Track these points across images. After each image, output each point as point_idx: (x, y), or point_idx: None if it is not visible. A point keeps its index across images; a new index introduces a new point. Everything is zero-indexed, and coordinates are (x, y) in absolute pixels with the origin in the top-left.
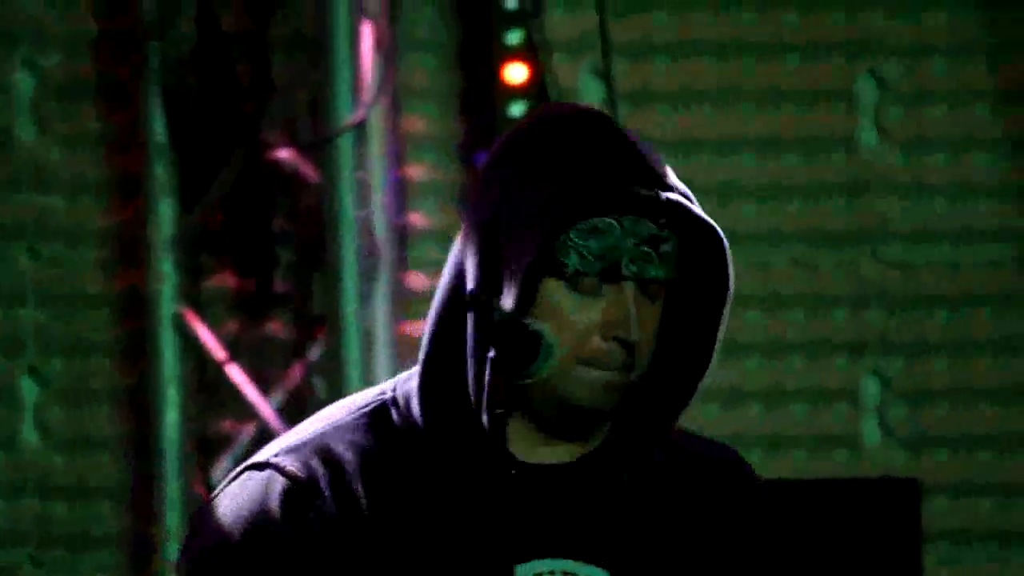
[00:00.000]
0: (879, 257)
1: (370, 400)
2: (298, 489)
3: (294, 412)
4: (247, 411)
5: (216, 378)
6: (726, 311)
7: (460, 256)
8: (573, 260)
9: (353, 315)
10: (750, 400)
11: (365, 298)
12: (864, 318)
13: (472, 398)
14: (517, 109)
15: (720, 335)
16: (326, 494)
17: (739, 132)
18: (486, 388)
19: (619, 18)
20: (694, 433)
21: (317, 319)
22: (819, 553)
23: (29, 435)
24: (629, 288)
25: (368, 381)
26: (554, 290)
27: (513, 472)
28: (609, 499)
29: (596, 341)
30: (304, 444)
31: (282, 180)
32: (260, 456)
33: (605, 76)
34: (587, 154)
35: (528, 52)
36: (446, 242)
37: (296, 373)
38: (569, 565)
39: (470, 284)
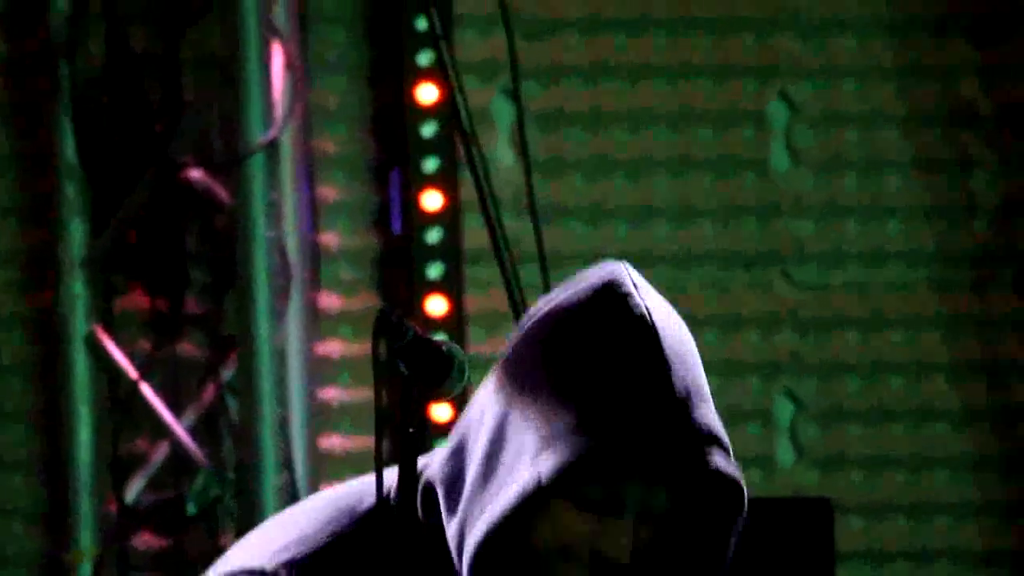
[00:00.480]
0: (791, 278)
1: (367, 504)
2: None
3: (207, 432)
4: (160, 431)
5: (129, 398)
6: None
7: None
8: (587, 488)
9: (266, 335)
10: None
11: (278, 318)
12: (776, 339)
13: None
14: (428, 129)
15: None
16: None
17: (651, 153)
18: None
19: (530, 40)
20: None
21: (230, 339)
22: (733, 572)
23: None
24: (632, 522)
25: (281, 401)
26: (556, 504)
27: None
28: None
29: (584, 553)
30: (306, 556)
31: (194, 200)
32: (255, 561)
33: (515, 98)
34: (627, 404)
35: (439, 73)
36: (358, 262)
37: (209, 393)
38: None
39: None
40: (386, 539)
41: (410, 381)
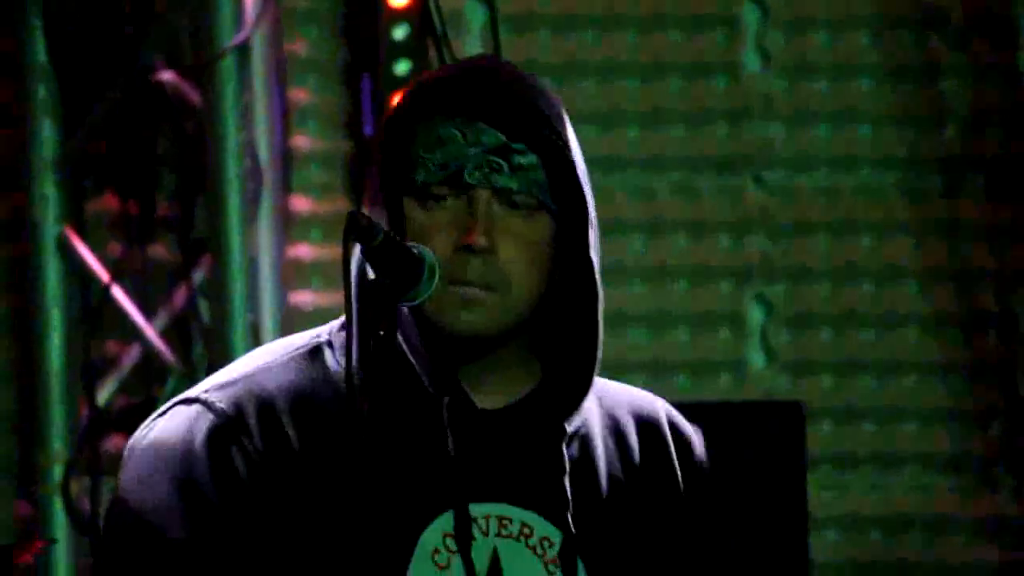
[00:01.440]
0: (762, 183)
1: (305, 342)
2: (225, 425)
3: (178, 335)
4: (131, 334)
5: (100, 301)
6: (592, 236)
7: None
8: (420, 173)
9: (237, 238)
10: (634, 324)
11: (249, 221)
12: (747, 243)
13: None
14: (400, 32)
15: (596, 262)
16: (254, 431)
17: (622, 57)
18: (368, 319)
19: None
20: (620, 384)
21: (201, 242)
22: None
23: None
24: (480, 196)
25: (252, 305)
26: (410, 209)
27: (446, 416)
28: (542, 446)
29: (449, 255)
30: (235, 381)
31: (165, 103)
32: (191, 392)
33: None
34: (442, 78)
35: None
36: (330, 165)
37: (180, 296)
38: (503, 509)
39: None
40: (314, 369)
41: (380, 284)
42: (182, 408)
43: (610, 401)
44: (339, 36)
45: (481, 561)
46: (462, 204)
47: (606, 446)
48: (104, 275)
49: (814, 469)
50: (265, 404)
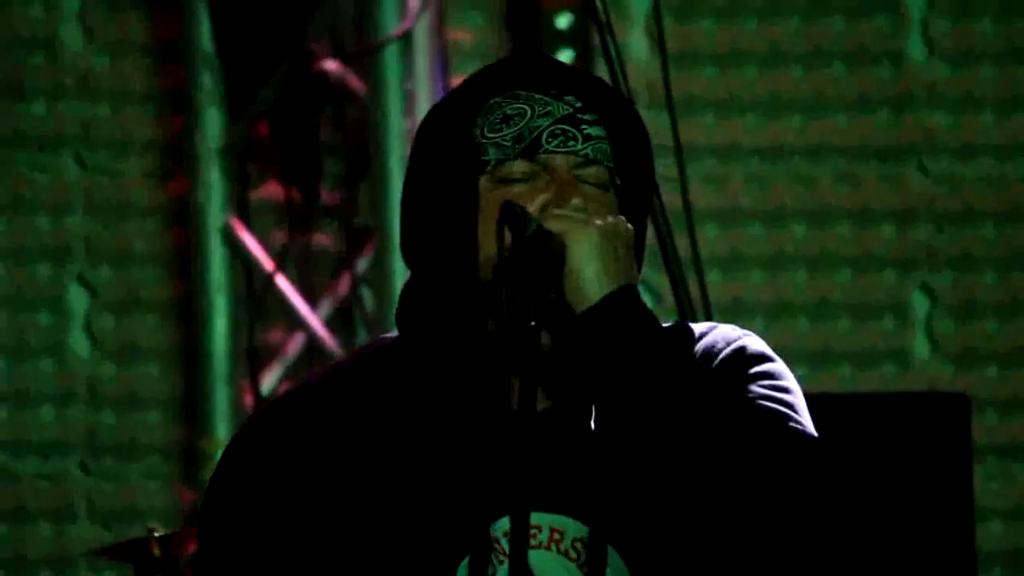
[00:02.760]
0: (926, 171)
1: (370, 344)
2: (280, 422)
3: (342, 323)
4: (295, 322)
5: (264, 288)
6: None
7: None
8: (492, 152)
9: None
10: (797, 314)
11: None
12: (911, 233)
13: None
14: (563, 21)
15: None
16: (308, 431)
17: (785, 45)
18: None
19: None
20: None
21: (364, 230)
22: (868, 467)
23: (78, 344)
24: (560, 164)
25: None
26: (487, 190)
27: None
28: (581, 448)
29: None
30: (301, 386)
31: (329, 91)
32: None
33: None
34: (495, 64)
35: None
36: None
37: (344, 284)
38: (556, 520)
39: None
40: (378, 368)
41: (530, 275)
42: (245, 423)
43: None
44: (502, 24)
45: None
46: (542, 176)
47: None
48: (268, 263)
49: (980, 460)
50: (322, 406)
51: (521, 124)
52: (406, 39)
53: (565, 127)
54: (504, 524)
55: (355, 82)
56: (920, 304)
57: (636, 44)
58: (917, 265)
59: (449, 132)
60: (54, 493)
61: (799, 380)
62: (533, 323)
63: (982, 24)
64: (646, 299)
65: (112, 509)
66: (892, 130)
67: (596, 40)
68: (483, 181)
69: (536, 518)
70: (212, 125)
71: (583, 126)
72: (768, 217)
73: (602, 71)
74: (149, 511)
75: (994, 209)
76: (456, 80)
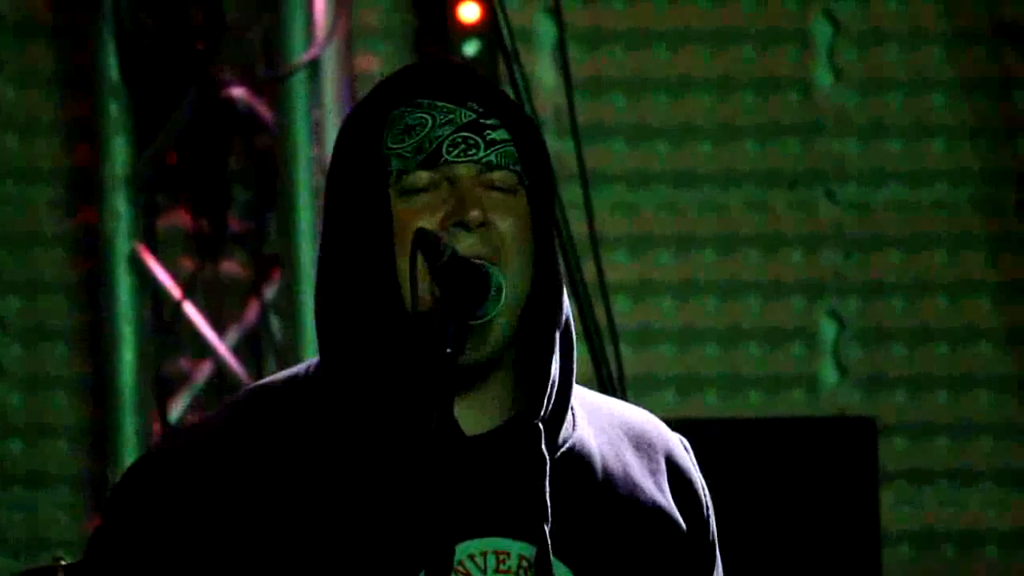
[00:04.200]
0: (834, 197)
1: (280, 377)
2: (178, 461)
3: (250, 351)
4: (203, 350)
5: (172, 317)
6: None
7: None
8: (395, 163)
9: (308, 254)
10: (706, 340)
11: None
12: (820, 259)
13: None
14: (471, 48)
15: (555, 252)
16: (229, 463)
17: (694, 72)
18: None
19: None
20: (607, 397)
21: (272, 258)
22: (776, 491)
23: None
24: (461, 174)
25: None
26: (393, 204)
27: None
28: (530, 471)
29: (442, 236)
30: (210, 420)
31: (237, 119)
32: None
33: (557, 16)
34: (395, 73)
35: None
36: None
37: (252, 312)
38: (498, 543)
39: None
40: (296, 402)
41: (447, 301)
42: (141, 459)
43: (601, 417)
44: (410, 52)
45: None
46: (444, 186)
47: (603, 463)
48: (176, 291)
49: (888, 485)
50: (220, 442)
51: (422, 134)
52: (314, 67)
53: (467, 135)
54: (466, 548)
55: (263, 110)
56: (828, 330)
57: (544, 71)
58: (825, 291)
59: (357, 147)
60: None
61: (709, 405)
62: (449, 350)
63: (889, 51)
64: None
65: (20, 538)
66: (801, 157)
67: (503, 67)
68: (392, 195)
69: (502, 544)
70: (119, 153)
71: (486, 132)
72: (677, 243)
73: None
74: (58, 541)
75: (902, 235)
76: None
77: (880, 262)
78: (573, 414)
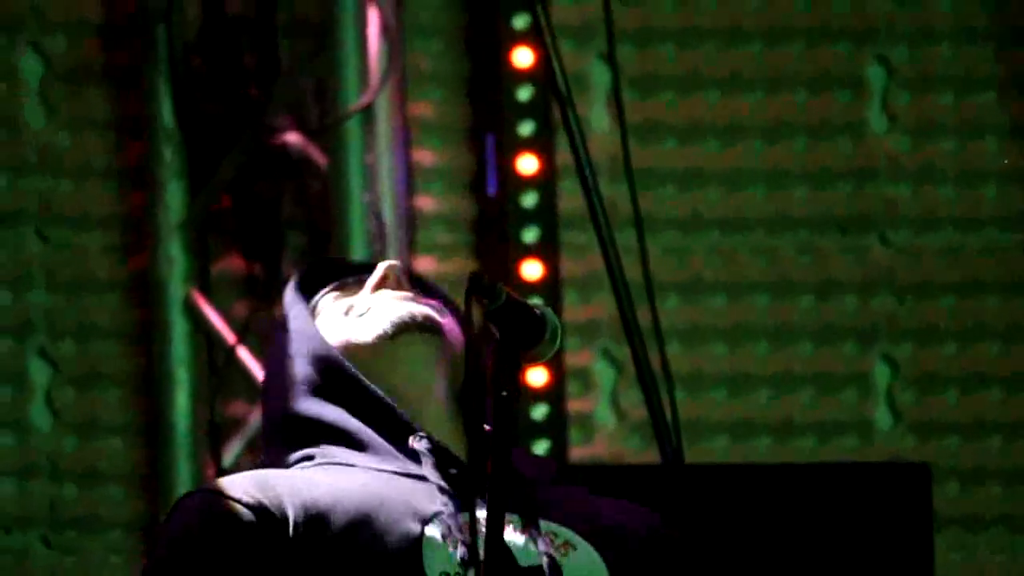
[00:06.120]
0: (887, 242)
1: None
2: (211, 495)
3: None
4: (257, 394)
5: (226, 362)
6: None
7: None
8: (318, 299)
9: None
10: (759, 386)
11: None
12: (873, 304)
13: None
14: (524, 93)
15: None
16: (244, 494)
17: (746, 117)
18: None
19: (625, 4)
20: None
21: None
22: (829, 537)
23: (40, 418)
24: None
25: None
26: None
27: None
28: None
29: (367, 298)
30: (237, 477)
31: (290, 164)
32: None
33: (611, 61)
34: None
35: (535, 36)
36: (454, 226)
37: None
38: (545, 525)
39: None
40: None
41: (503, 344)
42: (184, 500)
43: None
44: (463, 97)
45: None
46: (353, 284)
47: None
48: (230, 335)
49: (941, 531)
50: (247, 478)
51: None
52: (368, 112)
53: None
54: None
55: (316, 155)
56: (882, 375)
57: (598, 116)
58: (879, 336)
59: (284, 311)
60: (15, 568)
61: (762, 451)
62: (505, 393)
63: (942, 97)
64: (609, 372)
65: None
66: (853, 202)
67: (558, 112)
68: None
69: (548, 526)
70: (173, 199)
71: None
72: (730, 289)
73: (563, 143)
74: None
75: (954, 280)
76: (417, 152)
77: (932, 307)
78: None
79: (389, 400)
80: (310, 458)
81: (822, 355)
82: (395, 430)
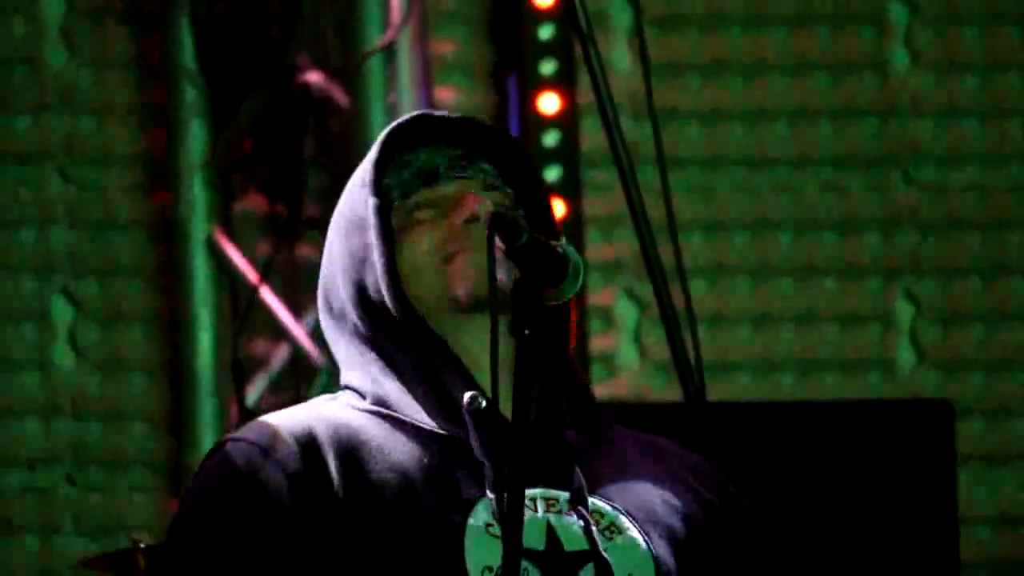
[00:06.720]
0: (910, 180)
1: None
2: (257, 450)
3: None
4: (280, 333)
5: (248, 301)
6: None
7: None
8: (396, 193)
9: None
10: (782, 323)
11: None
12: (896, 241)
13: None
14: (546, 32)
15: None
16: (288, 451)
17: (769, 55)
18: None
19: None
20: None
21: None
22: (852, 474)
23: (63, 357)
24: (461, 188)
25: None
26: (400, 225)
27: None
28: (563, 443)
29: (451, 237)
30: (266, 420)
31: (311, 104)
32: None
33: (633, 0)
34: (388, 131)
35: None
36: None
37: None
38: (547, 492)
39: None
40: (345, 405)
41: (525, 282)
42: (214, 452)
43: (628, 432)
44: (485, 36)
45: (538, 535)
46: (444, 204)
47: (634, 447)
48: (252, 275)
49: (965, 467)
50: (295, 429)
51: (418, 164)
52: (389, 52)
53: (461, 162)
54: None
55: (338, 95)
56: (905, 312)
57: (619, 55)
58: (902, 273)
59: (358, 195)
60: (40, 506)
61: (785, 388)
62: (528, 332)
63: (965, 33)
64: (631, 310)
65: (98, 522)
66: (877, 139)
67: (579, 51)
68: (395, 219)
69: (551, 493)
70: (195, 138)
71: (476, 162)
72: (753, 227)
73: (585, 82)
74: (135, 524)
75: (978, 217)
76: (440, 92)
77: (957, 244)
78: (612, 421)
79: (454, 354)
80: (362, 396)
81: (845, 293)
82: (453, 386)
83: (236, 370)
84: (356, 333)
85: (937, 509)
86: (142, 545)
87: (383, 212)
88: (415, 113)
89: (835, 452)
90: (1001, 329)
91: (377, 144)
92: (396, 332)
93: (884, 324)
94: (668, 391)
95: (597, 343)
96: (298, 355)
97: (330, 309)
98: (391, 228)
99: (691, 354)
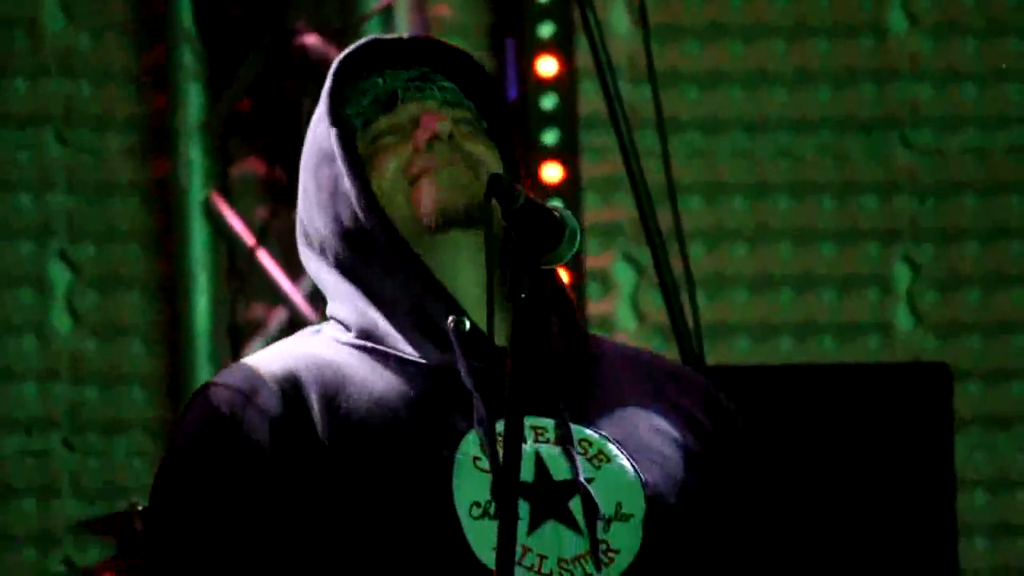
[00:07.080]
0: (909, 143)
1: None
2: (239, 395)
3: (323, 297)
4: (277, 296)
5: (246, 264)
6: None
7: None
8: (358, 122)
9: None
10: (780, 287)
11: None
12: (894, 205)
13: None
14: None
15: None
16: (270, 394)
17: (768, 18)
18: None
19: None
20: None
21: None
22: (850, 438)
23: (60, 321)
24: (422, 109)
25: None
26: (365, 152)
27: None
28: (556, 367)
29: (412, 155)
30: (249, 363)
31: (310, 66)
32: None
33: None
34: (347, 52)
35: None
36: None
37: None
38: (536, 420)
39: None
40: (326, 339)
41: (522, 246)
42: (196, 397)
43: (627, 351)
44: None
45: (527, 466)
46: (407, 127)
47: (627, 366)
48: (250, 238)
49: (963, 431)
50: (278, 372)
51: (377, 90)
52: (387, 14)
53: (418, 83)
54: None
55: (336, 57)
56: (903, 276)
57: (618, 18)
58: (900, 237)
59: (321, 127)
60: (38, 470)
61: (784, 352)
62: (524, 295)
63: None
64: (629, 274)
65: (96, 485)
66: (875, 103)
67: (578, 14)
68: (360, 151)
69: (540, 421)
70: (193, 101)
71: (436, 80)
72: (752, 190)
73: (583, 45)
74: (133, 487)
75: (977, 181)
76: None
77: (954, 207)
78: (597, 341)
79: (435, 278)
80: (347, 328)
81: (844, 256)
82: (437, 313)
83: (233, 333)
84: (338, 264)
85: (935, 472)
86: (139, 508)
87: (346, 140)
88: (366, 39)
89: (834, 416)
90: (999, 293)
91: (330, 74)
92: (377, 258)
93: (882, 288)
94: (666, 355)
95: (595, 307)
96: (295, 318)
97: (310, 244)
98: (357, 155)
99: (689, 318)
